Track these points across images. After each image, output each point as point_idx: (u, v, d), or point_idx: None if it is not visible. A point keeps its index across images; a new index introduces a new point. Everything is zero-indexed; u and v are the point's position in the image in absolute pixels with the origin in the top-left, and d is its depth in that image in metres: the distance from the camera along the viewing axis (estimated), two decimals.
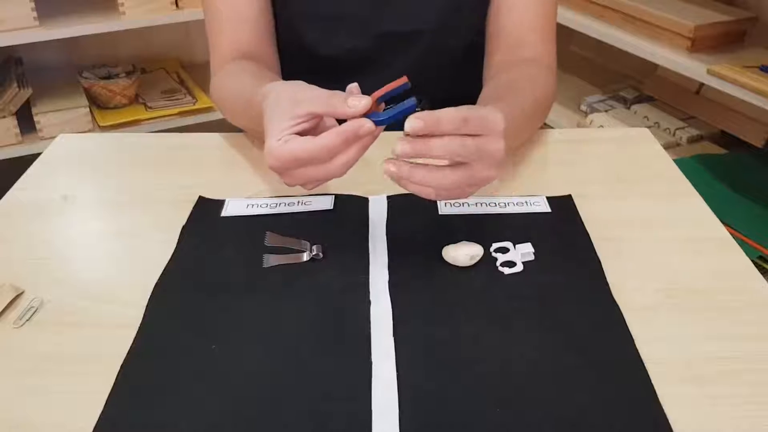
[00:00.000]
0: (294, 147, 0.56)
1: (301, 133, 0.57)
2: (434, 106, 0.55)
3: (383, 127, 0.56)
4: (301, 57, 0.90)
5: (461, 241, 0.65)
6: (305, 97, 0.58)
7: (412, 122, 0.53)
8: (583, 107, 1.98)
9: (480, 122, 0.55)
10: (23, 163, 0.70)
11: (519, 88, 0.78)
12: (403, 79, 0.56)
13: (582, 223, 0.71)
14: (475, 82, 0.88)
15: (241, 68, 0.81)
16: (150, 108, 2.08)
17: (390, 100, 0.56)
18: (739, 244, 0.68)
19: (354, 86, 0.58)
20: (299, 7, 0.88)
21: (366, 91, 0.57)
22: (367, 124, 0.54)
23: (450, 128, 0.54)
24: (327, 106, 0.57)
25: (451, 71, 0.93)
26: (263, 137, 0.59)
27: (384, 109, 0.56)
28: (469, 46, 0.92)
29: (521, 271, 0.64)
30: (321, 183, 0.59)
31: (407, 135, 0.54)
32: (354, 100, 0.55)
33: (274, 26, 0.89)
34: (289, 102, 0.58)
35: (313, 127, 0.59)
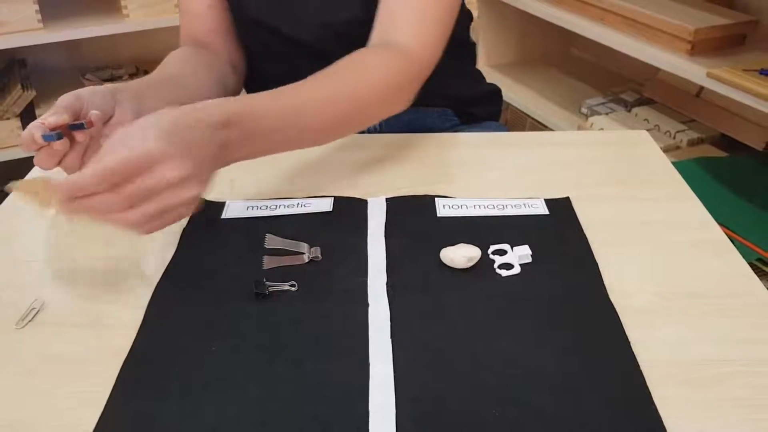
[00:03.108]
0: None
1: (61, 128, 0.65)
2: None
3: (55, 141, 0.64)
4: (267, 38, 0.92)
5: (459, 243, 0.66)
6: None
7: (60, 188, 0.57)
8: (584, 110, 1.98)
9: (126, 165, 0.55)
10: (27, 165, 0.70)
11: (320, 81, 0.72)
12: (86, 121, 0.66)
13: (580, 225, 0.71)
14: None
15: (172, 56, 0.89)
16: None
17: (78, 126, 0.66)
18: (737, 246, 0.68)
19: (93, 114, 0.66)
20: None
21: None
22: (37, 133, 0.63)
23: (98, 188, 0.55)
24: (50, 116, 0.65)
25: None
26: None
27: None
28: None
29: (518, 274, 0.64)
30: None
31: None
32: (50, 118, 0.63)
33: (226, 18, 0.94)
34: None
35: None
